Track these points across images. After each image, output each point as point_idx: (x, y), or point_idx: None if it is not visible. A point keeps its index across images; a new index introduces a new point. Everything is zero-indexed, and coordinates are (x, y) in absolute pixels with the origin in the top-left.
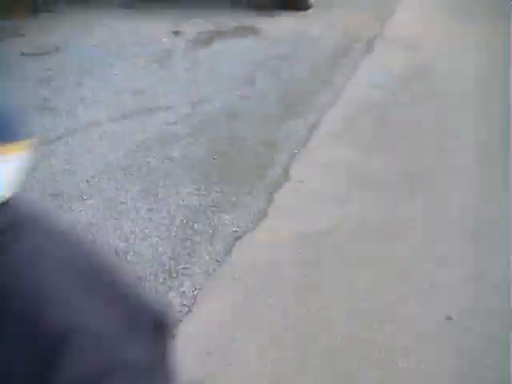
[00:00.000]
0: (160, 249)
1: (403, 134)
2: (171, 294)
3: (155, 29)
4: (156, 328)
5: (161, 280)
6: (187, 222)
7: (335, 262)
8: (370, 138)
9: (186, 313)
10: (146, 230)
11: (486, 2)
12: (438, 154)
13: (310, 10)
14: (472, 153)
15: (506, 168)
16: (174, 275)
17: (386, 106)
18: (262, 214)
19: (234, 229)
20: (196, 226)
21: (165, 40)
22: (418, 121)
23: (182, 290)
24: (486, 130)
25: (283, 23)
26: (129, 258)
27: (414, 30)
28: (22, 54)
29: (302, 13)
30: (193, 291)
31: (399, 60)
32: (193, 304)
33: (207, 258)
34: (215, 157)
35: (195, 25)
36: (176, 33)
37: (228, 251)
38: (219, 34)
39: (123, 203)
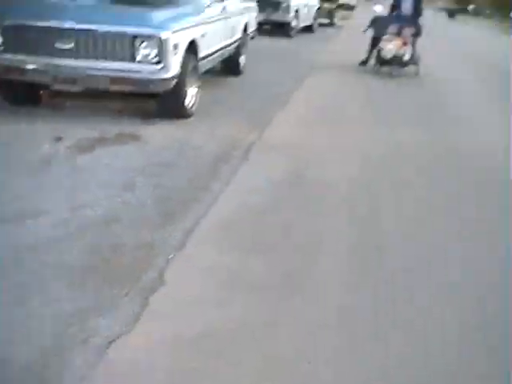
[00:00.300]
0: (31, 357)
1: (281, 236)
2: None
3: (37, 134)
4: None
5: None
6: (60, 327)
7: (215, 365)
8: (249, 241)
9: None
10: (17, 337)
11: (369, 109)
12: (312, 255)
13: (192, 118)
14: (346, 255)
15: None
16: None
17: (264, 210)
18: (137, 318)
19: (107, 333)
20: (69, 330)
21: (46, 146)
22: (293, 224)
23: None
24: (347, 243)
25: (165, 130)
26: None
27: (291, 137)
28: None
29: (183, 120)
30: None
31: (277, 166)
32: None
33: (79, 362)
34: (92, 261)
35: (78, 131)
36: (58, 138)
37: (101, 355)
38: (101, 140)
39: None
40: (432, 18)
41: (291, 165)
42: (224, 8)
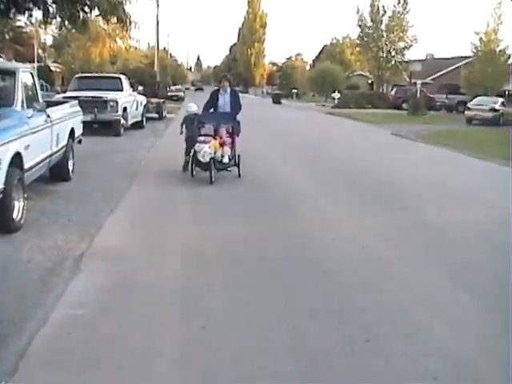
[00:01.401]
0: None
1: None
2: None
3: None
4: None
5: None
6: None
7: None
8: (86, 354)
9: None
10: None
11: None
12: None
13: (20, 232)
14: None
15: None
16: None
17: (95, 319)
18: None
19: None
20: None
21: None
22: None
23: None
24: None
25: None
26: None
27: (120, 244)
28: None
29: (11, 235)
30: None
31: (106, 274)
32: None
33: None
34: None
35: None
36: None
37: None
38: None
39: None
40: (258, 106)
41: (121, 270)
42: (48, 117)
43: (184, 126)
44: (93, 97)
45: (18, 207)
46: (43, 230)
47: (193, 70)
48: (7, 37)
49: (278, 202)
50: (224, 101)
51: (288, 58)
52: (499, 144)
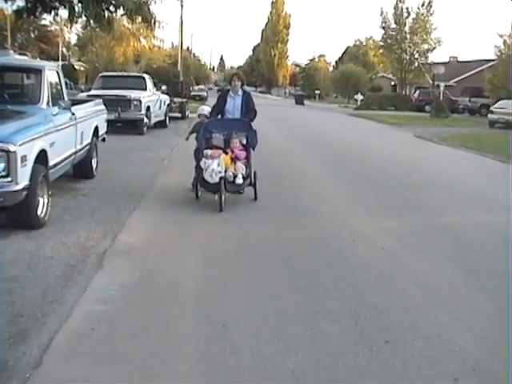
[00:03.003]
0: None
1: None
2: None
3: None
4: None
5: None
6: None
7: None
8: (108, 349)
9: None
10: None
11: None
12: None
13: (44, 228)
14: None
15: None
16: None
17: (117, 315)
18: None
19: None
20: None
21: None
22: (144, 328)
23: None
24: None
25: (17, 242)
26: None
27: (143, 241)
28: None
29: (35, 231)
30: None
31: (129, 272)
32: None
33: None
34: None
35: None
36: None
37: None
38: None
39: None
40: (281, 107)
41: (143, 268)
42: (72, 115)
43: (194, 134)
44: (116, 95)
45: (43, 204)
46: (66, 226)
47: (216, 70)
48: (32, 35)
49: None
50: (234, 105)
51: (311, 60)
52: None
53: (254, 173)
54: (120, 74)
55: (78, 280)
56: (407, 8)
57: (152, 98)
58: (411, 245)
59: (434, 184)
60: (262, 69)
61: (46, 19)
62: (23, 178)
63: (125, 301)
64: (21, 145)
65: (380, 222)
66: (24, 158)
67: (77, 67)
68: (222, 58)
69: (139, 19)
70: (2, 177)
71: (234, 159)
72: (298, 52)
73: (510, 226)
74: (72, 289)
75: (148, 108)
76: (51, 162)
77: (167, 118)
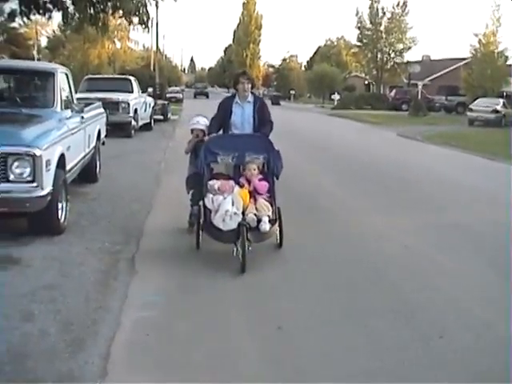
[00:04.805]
0: None
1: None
2: None
3: None
4: None
5: None
6: None
7: None
8: (170, 355)
9: None
10: None
11: None
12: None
13: (65, 234)
14: None
15: None
16: None
17: (167, 321)
18: None
19: None
20: None
21: None
22: (196, 331)
23: None
24: None
25: (42, 249)
26: None
27: (168, 245)
28: None
29: (57, 237)
30: None
31: (163, 274)
32: None
33: None
34: None
35: None
36: None
37: None
38: None
39: None
40: None
41: (177, 272)
42: (82, 118)
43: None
44: (104, 98)
45: (62, 209)
46: (86, 232)
47: (186, 71)
48: (1, 38)
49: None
50: (242, 116)
51: (283, 60)
52: (505, 145)
53: (278, 209)
54: (106, 76)
55: (115, 286)
56: (382, 8)
57: (139, 101)
58: (431, 242)
59: (430, 182)
60: (234, 70)
61: (16, 21)
62: (48, 183)
63: (170, 305)
64: (45, 149)
65: (391, 220)
66: (48, 163)
67: None
68: (192, 59)
69: (136, 20)
70: (28, 182)
71: (253, 193)
72: (270, 52)
73: None
74: (113, 295)
75: (135, 110)
76: (68, 167)
77: (152, 121)
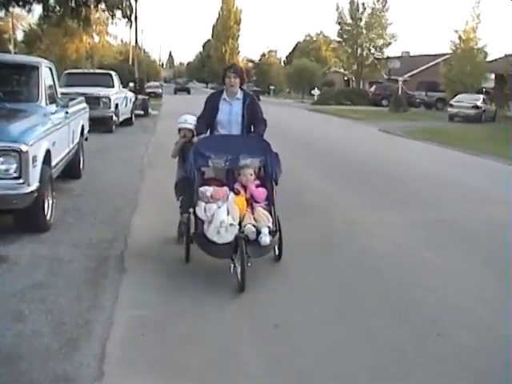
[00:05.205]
0: None
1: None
2: None
3: None
4: None
5: None
6: None
7: None
8: (166, 356)
9: None
10: None
11: None
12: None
13: (51, 231)
14: None
15: None
16: None
17: (161, 319)
18: None
19: None
20: None
21: None
22: (191, 330)
23: None
24: None
25: (30, 247)
26: None
27: (157, 242)
28: None
29: (44, 234)
30: None
31: (154, 276)
32: None
33: None
34: None
35: None
36: None
37: None
38: None
39: None
40: None
41: (168, 269)
42: (67, 113)
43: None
44: (85, 93)
45: (48, 205)
46: (72, 228)
47: (165, 66)
48: None
49: None
50: (230, 114)
51: (263, 55)
52: (486, 140)
53: (277, 219)
54: (86, 71)
55: (106, 284)
56: (363, 3)
57: (120, 96)
58: (421, 239)
59: (416, 178)
60: (213, 65)
61: None
62: (34, 180)
63: (162, 303)
64: (32, 145)
65: (380, 217)
66: (35, 159)
67: None
68: (170, 54)
69: (119, 14)
70: (14, 178)
71: (250, 201)
72: (249, 47)
73: (508, 217)
74: (104, 294)
75: (117, 105)
76: (53, 162)
77: (133, 116)
